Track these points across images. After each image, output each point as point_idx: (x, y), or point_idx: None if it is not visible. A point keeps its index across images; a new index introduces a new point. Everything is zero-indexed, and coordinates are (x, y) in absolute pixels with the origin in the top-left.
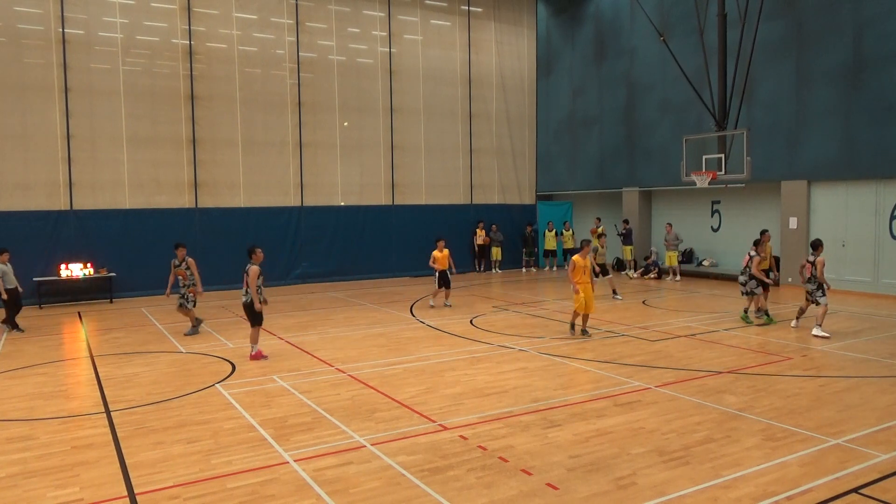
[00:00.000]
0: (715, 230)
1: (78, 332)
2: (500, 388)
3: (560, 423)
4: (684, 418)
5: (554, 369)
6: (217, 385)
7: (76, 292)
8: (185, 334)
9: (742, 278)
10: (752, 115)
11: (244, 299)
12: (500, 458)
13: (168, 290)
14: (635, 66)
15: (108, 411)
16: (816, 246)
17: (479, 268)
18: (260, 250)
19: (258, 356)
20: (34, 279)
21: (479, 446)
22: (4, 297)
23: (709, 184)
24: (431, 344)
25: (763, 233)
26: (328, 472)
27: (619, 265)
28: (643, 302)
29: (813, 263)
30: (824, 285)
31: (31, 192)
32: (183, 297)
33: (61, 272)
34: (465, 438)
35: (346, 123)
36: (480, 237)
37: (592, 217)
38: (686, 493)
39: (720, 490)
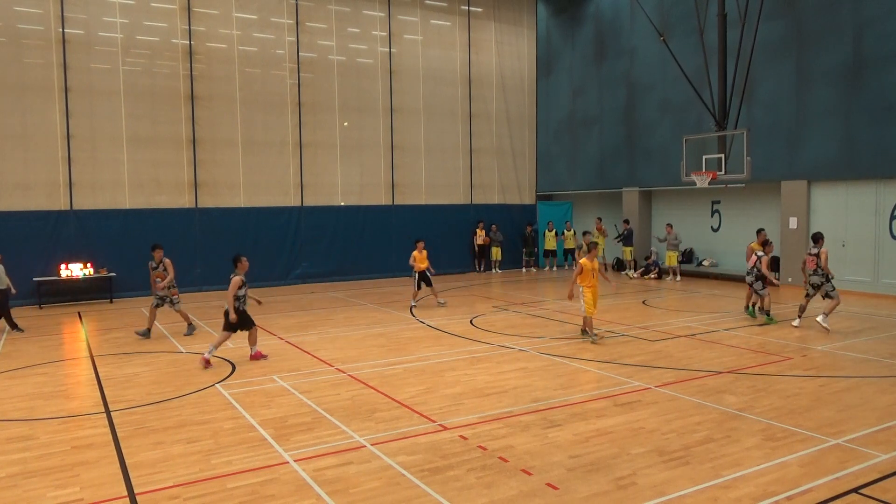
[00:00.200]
0: (715, 230)
1: (78, 332)
2: (500, 388)
3: (560, 423)
4: (684, 418)
5: (554, 369)
6: (217, 385)
7: (76, 292)
8: (137, 332)
9: (749, 278)
10: (752, 115)
11: (226, 307)
12: (500, 458)
13: (153, 291)
14: (635, 66)
15: (108, 411)
16: (817, 239)
17: (479, 268)
18: (245, 259)
19: (258, 355)
20: (34, 279)
21: (479, 446)
22: None
23: (709, 184)
24: (431, 344)
25: (759, 231)
26: (328, 472)
27: (619, 265)
28: (643, 302)
29: (817, 255)
30: (829, 275)
31: (31, 192)
32: (162, 298)
33: (61, 272)
34: (465, 438)
35: (346, 123)
36: (480, 237)
37: (593, 217)
38: (686, 493)
39: (720, 490)
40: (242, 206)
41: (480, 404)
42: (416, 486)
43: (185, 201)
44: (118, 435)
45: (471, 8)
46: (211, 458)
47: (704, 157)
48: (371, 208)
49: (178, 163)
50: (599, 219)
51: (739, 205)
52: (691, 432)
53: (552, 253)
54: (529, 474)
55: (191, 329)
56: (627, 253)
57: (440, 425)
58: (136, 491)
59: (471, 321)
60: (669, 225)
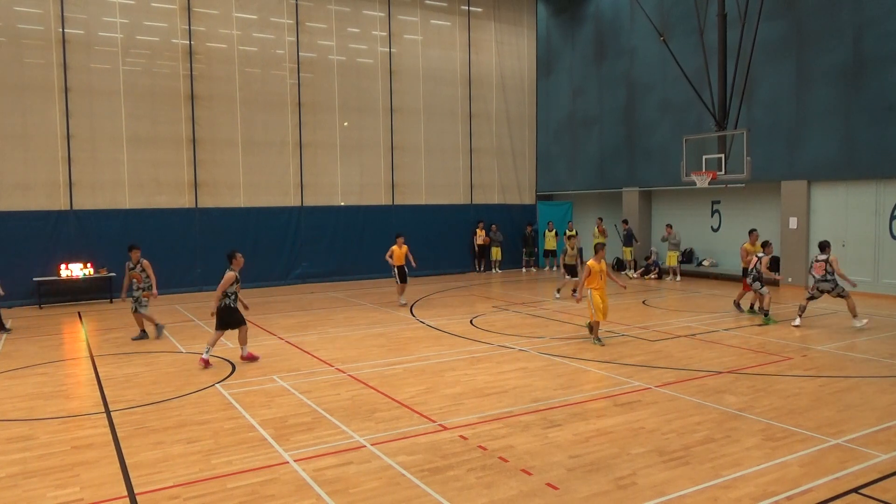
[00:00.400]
0: (715, 230)
1: (78, 332)
2: (500, 388)
3: (560, 423)
4: (684, 418)
5: (554, 369)
6: (217, 385)
7: (76, 292)
8: (133, 339)
9: (749, 279)
10: (752, 115)
11: (220, 303)
12: (500, 458)
13: (123, 294)
14: (635, 66)
15: (108, 411)
16: (825, 247)
17: (479, 268)
18: (240, 255)
19: (250, 356)
20: (34, 279)
21: (479, 446)
22: None
23: (709, 184)
24: (431, 344)
25: (752, 232)
26: (328, 472)
27: (619, 265)
28: (643, 302)
29: (826, 261)
30: (847, 280)
31: (31, 192)
32: (136, 300)
33: (61, 272)
34: (465, 438)
35: (346, 123)
36: (480, 237)
37: (593, 217)
38: (686, 493)
39: (720, 490)
40: (242, 206)
41: (480, 404)
42: (416, 486)
43: (185, 201)
44: (118, 435)
45: (471, 8)
46: (211, 458)
47: (704, 157)
48: (371, 208)
49: (178, 163)
50: (600, 219)
51: (739, 205)
52: (691, 432)
53: (552, 253)
54: (529, 474)
55: (143, 335)
56: (627, 253)
57: (440, 425)
58: (136, 491)
59: (471, 321)
60: (669, 225)
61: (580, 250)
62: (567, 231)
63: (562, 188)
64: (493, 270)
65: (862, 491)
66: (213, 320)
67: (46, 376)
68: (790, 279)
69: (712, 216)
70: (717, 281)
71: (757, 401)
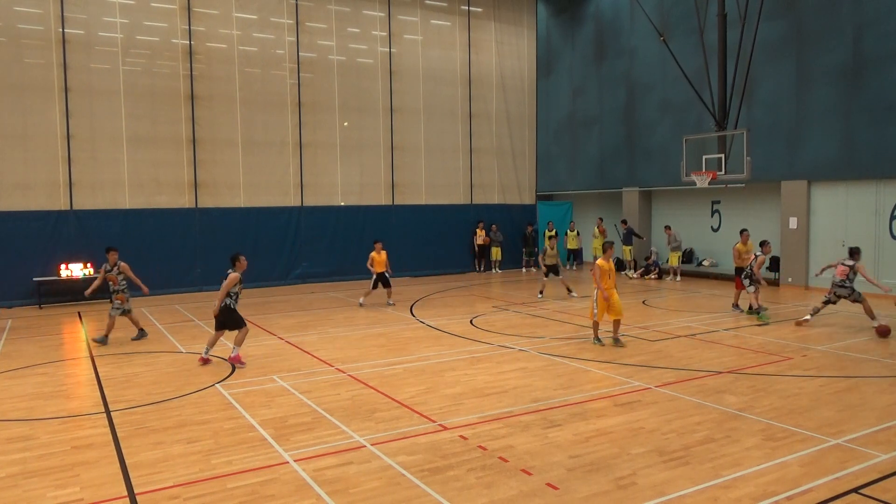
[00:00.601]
0: (715, 230)
1: (78, 332)
2: (500, 388)
3: (560, 423)
4: (684, 418)
5: (554, 369)
6: (217, 385)
7: (76, 292)
8: (95, 339)
9: (741, 277)
10: (752, 115)
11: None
12: (500, 458)
13: (89, 291)
14: (635, 66)
15: (108, 411)
16: (854, 253)
17: (479, 268)
18: (244, 258)
19: (236, 359)
20: (34, 279)
21: (479, 446)
22: None
23: (709, 184)
24: (431, 344)
25: (742, 232)
26: (328, 472)
27: (619, 265)
28: (643, 302)
29: (851, 268)
30: (878, 286)
31: (31, 192)
32: (113, 303)
33: (61, 272)
34: (465, 438)
35: (346, 123)
36: (480, 237)
37: (593, 217)
38: (686, 493)
39: (720, 490)
40: (242, 206)
41: (480, 404)
42: (416, 486)
43: (185, 201)
44: (118, 435)
45: (471, 8)
46: (211, 458)
47: (704, 157)
48: (371, 208)
49: (178, 163)
50: (601, 219)
51: (739, 205)
52: (691, 432)
53: None
54: (529, 474)
55: (104, 339)
56: (627, 252)
57: (440, 425)
58: (136, 491)
59: (471, 321)
60: (668, 227)
61: (579, 251)
62: (547, 231)
63: (562, 188)
64: (493, 270)
65: (862, 491)
66: (213, 320)
67: (46, 376)
68: (790, 279)
69: (712, 216)
70: (717, 281)
71: (757, 401)
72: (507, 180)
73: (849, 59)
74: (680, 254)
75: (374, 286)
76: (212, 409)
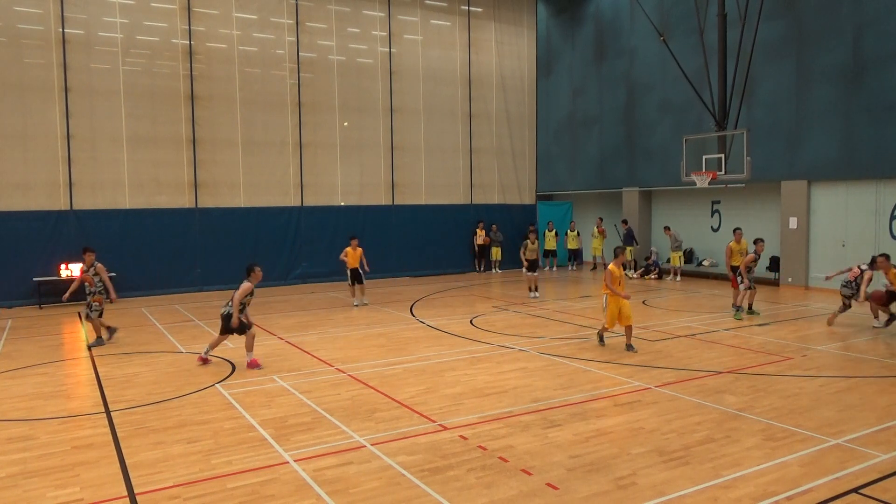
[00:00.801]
0: (715, 230)
1: (78, 332)
2: (500, 388)
3: (560, 423)
4: (684, 418)
5: (554, 369)
6: (217, 385)
7: (76, 292)
8: (90, 346)
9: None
10: (752, 115)
11: (223, 310)
12: (500, 458)
13: (67, 295)
14: (635, 66)
15: (108, 411)
16: (873, 261)
17: (479, 268)
18: (259, 270)
19: (254, 364)
20: (34, 279)
21: (479, 446)
22: None
23: (709, 184)
24: (431, 344)
25: (735, 230)
26: (328, 472)
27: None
28: (643, 302)
29: (861, 273)
30: (863, 293)
31: (31, 192)
32: (87, 305)
33: (61, 272)
34: (465, 438)
35: (346, 123)
36: (480, 237)
37: (593, 217)
38: (686, 493)
39: (720, 490)
40: (242, 206)
41: (480, 404)
42: (416, 486)
43: (185, 201)
44: (118, 435)
45: (471, 8)
46: (211, 458)
47: (704, 157)
48: (371, 208)
49: (178, 163)
50: (600, 219)
51: (739, 205)
52: (691, 432)
53: (552, 253)
54: (529, 474)
55: (99, 342)
56: (627, 253)
57: (440, 425)
58: (136, 491)
59: (471, 321)
60: (667, 227)
61: (579, 251)
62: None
63: (562, 188)
64: (493, 270)
65: (862, 491)
66: (213, 320)
67: (46, 376)
68: (790, 279)
69: (712, 216)
70: (717, 281)
71: (757, 401)
72: (507, 180)
73: (849, 59)
74: (680, 254)
75: (351, 282)
76: (212, 409)
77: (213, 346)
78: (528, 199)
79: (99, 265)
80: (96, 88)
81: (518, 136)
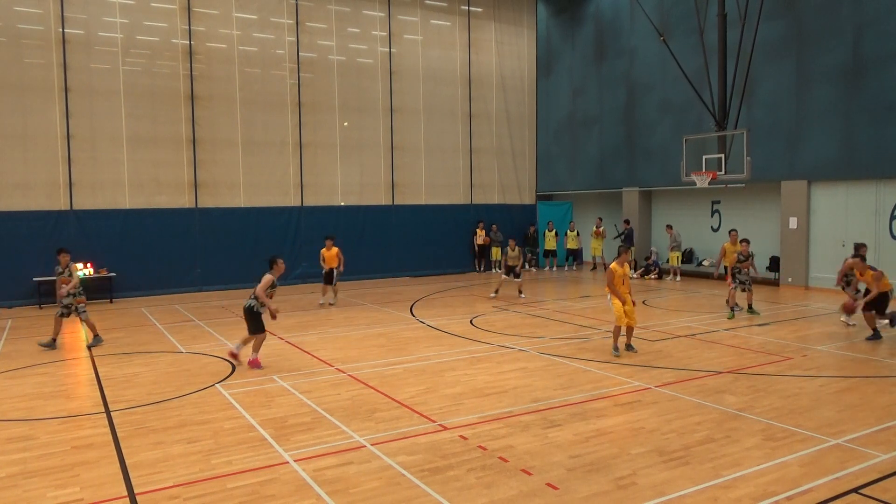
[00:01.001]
0: (715, 230)
1: (78, 332)
2: (500, 388)
3: (560, 423)
4: (684, 418)
5: (554, 369)
6: (217, 385)
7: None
8: (89, 345)
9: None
10: (752, 115)
11: (246, 303)
12: (500, 458)
13: (59, 299)
14: (635, 66)
15: (108, 411)
16: (857, 249)
17: (479, 268)
18: (282, 262)
19: (255, 363)
20: (34, 279)
21: (479, 446)
22: None
23: (709, 184)
24: (431, 344)
25: (731, 232)
26: (328, 472)
27: None
28: (643, 302)
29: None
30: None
31: (31, 192)
32: (66, 306)
33: None
34: (465, 438)
35: (346, 123)
36: (480, 237)
37: (593, 217)
38: (686, 493)
39: (720, 490)
40: (242, 206)
41: (480, 404)
42: (416, 486)
43: (185, 201)
44: (118, 435)
45: (471, 8)
46: (211, 458)
47: (704, 157)
48: (371, 208)
49: (178, 163)
50: (600, 219)
51: (739, 205)
52: (691, 432)
53: (552, 253)
54: (529, 474)
55: (97, 340)
56: (629, 252)
57: (440, 425)
58: (136, 491)
59: (471, 321)
60: (669, 226)
61: (579, 251)
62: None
63: (562, 188)
64: (494, 270)
65: (862, 491)
66: (213, 320)
67: (46, 376)
68: (790, 279)
69: (712, 216)
70: (717, 281)
71: (757, 401)
72: (507, 180)
73: (849, 59)
74: (678, 254)
75: (325, 282)
76: (212, 409)
77: (245, 342)
78: (528, 199)
79: (74, 265)
80: (96, 88)
81: (518, 136)
